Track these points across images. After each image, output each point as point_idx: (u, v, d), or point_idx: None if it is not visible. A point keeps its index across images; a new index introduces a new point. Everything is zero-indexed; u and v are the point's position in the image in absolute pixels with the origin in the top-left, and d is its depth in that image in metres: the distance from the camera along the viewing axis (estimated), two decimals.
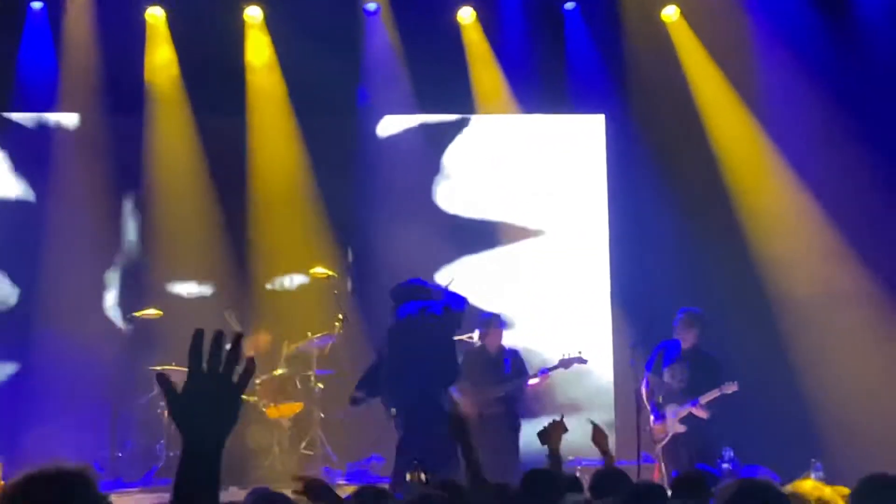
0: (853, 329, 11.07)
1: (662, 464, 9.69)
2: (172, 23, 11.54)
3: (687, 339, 9.73)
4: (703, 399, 9.52)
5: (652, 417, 9.75)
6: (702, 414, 9.53)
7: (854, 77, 11.47)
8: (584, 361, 10.07)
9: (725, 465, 10.24)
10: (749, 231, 11.75)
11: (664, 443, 9.69)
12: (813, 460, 9.33)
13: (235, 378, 2.41)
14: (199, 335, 2.40)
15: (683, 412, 9.59)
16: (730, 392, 9.49)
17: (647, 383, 9.75)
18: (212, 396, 2.39)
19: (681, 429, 9.60)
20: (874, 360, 11.01)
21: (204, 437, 2.39)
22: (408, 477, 5.57)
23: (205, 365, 2.39)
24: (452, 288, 9.04)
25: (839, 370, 10.91)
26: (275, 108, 11.87)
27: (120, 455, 10.59)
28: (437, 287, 9.24)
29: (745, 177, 11.92)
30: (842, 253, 11.37)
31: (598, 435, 6.12)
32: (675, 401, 9.67)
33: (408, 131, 12.21)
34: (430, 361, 8.50)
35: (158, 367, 10.46)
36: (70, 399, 10.74)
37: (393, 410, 8.58)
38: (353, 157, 11.92)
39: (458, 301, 8.83)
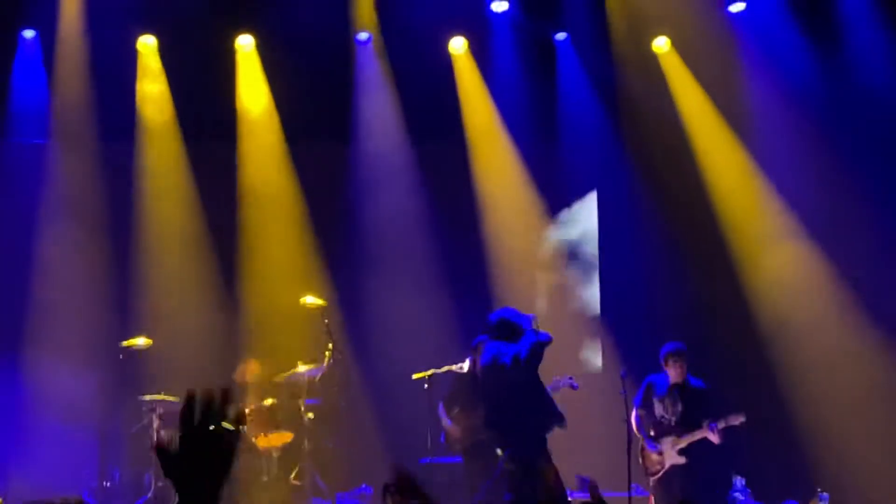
0: (850, 353, 11.08)
1: (655, 496, 9.64)
2: (164, 51, 11.56)
3: (675, 374, 9.73)
4: (721, 424, 9.47)
5: (647, 448, 9.71)
6: (715, 439, 9.46)
7: (844, 106, 11.51)
8: (575, 387, 9.91)
9: (737, 495, 10.15)
10: (741, 259, 11.79)
11: (659, 475, 9.64)
12: (818, 489, 9.28)
13: (226, 436, 2.42)
14: (191, 398, 2.41)
15: (684, 442, 9.54)
16: (737, 424, 9.48)
17: (638, 418, 9.71)
18: (204, 455, 2.40)
19: (679, 460, 9.55)
20: (874, 386, 11.00)
21: (198, 494, 2.39)
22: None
23: (196, 423, 2.40)
24: (537, 325, 8.92)
25: (838, 396, 10.90)
26: (266, 136, 11.87)
27: (108, 485, 10.52)
28: (524, 323, 8.86)
29: (735, 204, 11.96)
30: (834, 277, 11.38)
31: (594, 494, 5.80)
32: (670, 433, 9.63)
33: (398, 160, 12.20)
34: (526, 413, 8.53)
35: (148, 397, 10.43)
36: (59, 428, 10.70)
37: (499, 451, 8.61)
38: (345, 184, 11.93)
39: (540, 341, 8.70)
